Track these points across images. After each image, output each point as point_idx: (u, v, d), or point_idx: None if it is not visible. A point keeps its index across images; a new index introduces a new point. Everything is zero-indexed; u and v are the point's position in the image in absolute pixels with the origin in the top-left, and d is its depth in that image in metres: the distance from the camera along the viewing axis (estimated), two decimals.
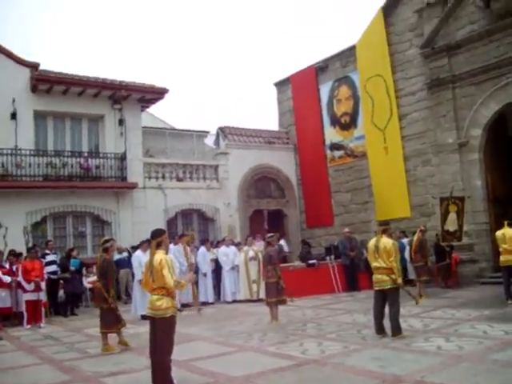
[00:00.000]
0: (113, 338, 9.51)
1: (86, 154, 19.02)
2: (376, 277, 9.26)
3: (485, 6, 16.46)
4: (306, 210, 23.45)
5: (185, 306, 14.82)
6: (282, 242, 20.01)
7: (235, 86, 56.00)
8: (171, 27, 54.95)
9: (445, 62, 17.57)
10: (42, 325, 12.93)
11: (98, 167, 18.72)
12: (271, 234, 12.56)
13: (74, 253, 16.09)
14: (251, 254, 16.27)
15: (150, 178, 20.08)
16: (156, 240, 6.67)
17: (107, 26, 54.70)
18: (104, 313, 9.45)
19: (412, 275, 16.87)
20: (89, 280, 16.24)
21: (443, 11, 17.57)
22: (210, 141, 24.46)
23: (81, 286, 16.34)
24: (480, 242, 16.82)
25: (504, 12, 15.95)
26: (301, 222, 23.67)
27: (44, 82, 18.24)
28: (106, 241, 9.92)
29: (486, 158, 17.11)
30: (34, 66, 18.40)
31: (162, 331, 6.37)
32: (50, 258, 15.04)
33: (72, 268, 15.54)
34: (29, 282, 13.03)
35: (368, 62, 20.31)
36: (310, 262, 17.45)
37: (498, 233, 12.39)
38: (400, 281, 8.99)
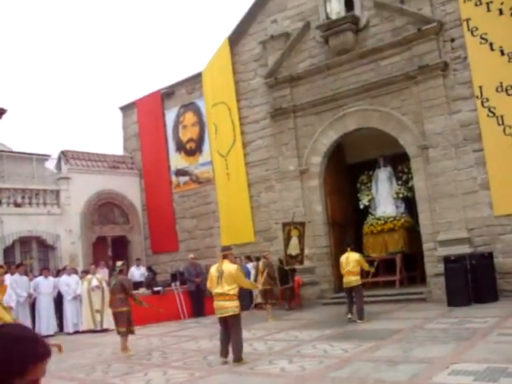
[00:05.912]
0: None
1: None
2: (218, 304, 9.02)
3: (324, 42, 17.40)
4: (151, 235, 23.08)
5: None
6: (132, 268, 19.49)
7: (79, 109, 54.33)
8: (11, 43, 52.25)
9: (287, 92, 18.27)
10: None
11: None
12: (122, 262, 12.12)
13: None
14: (95, 282, 15.60)
15: None
16: None
17: None
18: None
19: (259, 299, 17.18)
20: None
21: (286, 44, 18.33)
22: (51, 165, 23.29)
23: None
24: (321, 264, 17.49)
25: (340, 49, 16.92)
26: (146, 248, 23.22)
27: None
28: None
29: (325, 184, 17.87)
30: None
31: None
32: None
33: None
34: None
35: (213, 90, 20.57)
36: (156, 289, 17.15)
37: (343, 257, 12.86)
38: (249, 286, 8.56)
